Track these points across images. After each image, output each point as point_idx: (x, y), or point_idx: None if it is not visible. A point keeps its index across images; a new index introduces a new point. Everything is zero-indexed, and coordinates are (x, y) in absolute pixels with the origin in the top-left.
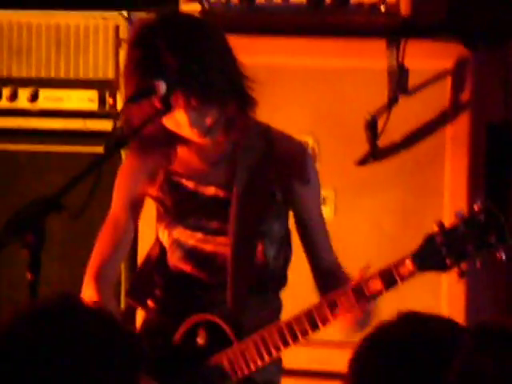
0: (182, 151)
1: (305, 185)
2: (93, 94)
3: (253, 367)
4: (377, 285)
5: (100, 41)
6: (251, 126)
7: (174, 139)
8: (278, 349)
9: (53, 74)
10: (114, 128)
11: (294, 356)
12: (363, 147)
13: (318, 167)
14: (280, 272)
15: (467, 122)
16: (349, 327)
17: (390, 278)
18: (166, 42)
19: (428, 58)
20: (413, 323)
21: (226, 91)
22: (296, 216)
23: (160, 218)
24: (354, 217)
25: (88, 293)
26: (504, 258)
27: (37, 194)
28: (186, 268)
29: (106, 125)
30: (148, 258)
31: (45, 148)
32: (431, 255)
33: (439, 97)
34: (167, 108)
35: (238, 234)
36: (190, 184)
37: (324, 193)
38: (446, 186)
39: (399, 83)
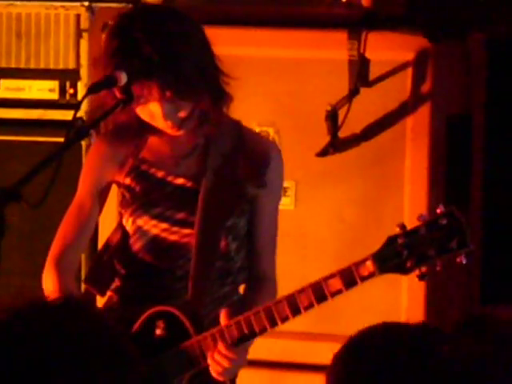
0: (153, 141)
1: (264, 186)
2: (53, 84)
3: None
4: (337, 284)
5: (61, 31)
6: (224, 120)
7: (146, 129)
8: (235, 343)
9: (13, 64)
10: (74, 118)
11: (266, 347)
12: (324, 138)
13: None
14: (240, 268)
15: (427, 114)
16: (217, 373)
17: (350, 278)
18: (144, 33)
19: (389, 50)
20: (391, 329)
21: (201, 85)
22: (249, 214)
23: (125, 204)
24: (315, 208)
25: (48, 277)
26: (464, 262)
27: None
28: (147, 258)
29: (66, 115)
30: (107, 244)
31: (5, 137)
32: (392, 257)
33: (400, 88)
34: (128, 98)
35: (204, 226)
36: (159, 173)
37: (285, 184)
38: (406, 177)
39: (360, 74)
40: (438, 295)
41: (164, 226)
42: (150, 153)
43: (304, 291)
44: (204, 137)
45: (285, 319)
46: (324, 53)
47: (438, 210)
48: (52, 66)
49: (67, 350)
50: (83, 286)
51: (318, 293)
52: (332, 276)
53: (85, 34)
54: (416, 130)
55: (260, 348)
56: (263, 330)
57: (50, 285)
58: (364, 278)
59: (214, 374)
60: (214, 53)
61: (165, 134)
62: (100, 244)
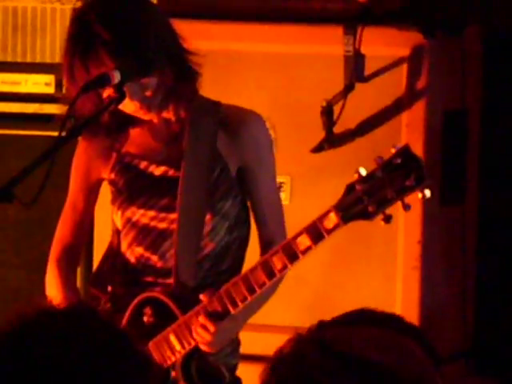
0: (134, 133)
1: (254, 152)
2: (50, 78)
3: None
4: (305, 241)
5: (57, 25)
6: (200, 102)
7: (125, 122)
8: (220, 316)
9: (10, 58)
10: (68, 115)
11: (263, 342)
12: (319, 133)
13: (274, 152)
14: (235, 251)
15: (423, 109)
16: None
17: (316, 233)
18: (96, 15)
19: (385, 45)
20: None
21: (160, 61)
22: (245, 186)
23: (113, 199)
24: (310, 203)
25: (52, 279)
26: (428, 195)
27: None
28: (139, 250)
29: (62, 109)
30: (110, 247)
31: (1, 131)
32: (353, 205)
33: (395, 84)
34: (122, 96)
35: (185, 208)
36: (141, 164)
37: (280, 179)
38: None
39: (355, 70)
40: (433, 291)
41: (151, 213)
42: (132, 145)
43: (276, 253)
44: (182, 122)
45: (262, 285)
46: (319, 48)
47: (392, 150)
48: (48, 60)
49: (78, 356)
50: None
51: (289, 253)
52: (299, 234)
53: None
54: (411, 125)
55: (257, 343)
56: (244, 299)
57: (53, 287)
58: (330, 231)
59: (201, 347)
60: (176, 30)
61: (145, 124)
62: (96, 243)
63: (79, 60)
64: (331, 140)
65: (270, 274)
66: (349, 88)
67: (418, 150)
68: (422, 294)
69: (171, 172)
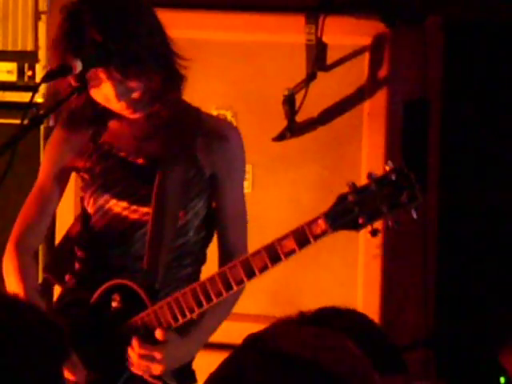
0: (114, 125)
1: (227, 163)
2: (11, 66)
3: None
4: (290, 244)
5: (19, 12)
6: (182, 105)
7: (105, 113)
8: (191, 310)
9: None
10: (31, 102)
11: (223, 330)
12: (281, 122)
13: (245, 169)
14: (200, 249)
15: (384, 99)
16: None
17: (303, 237)
18: (90, 15)
19: (346, 34)
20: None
21: (150, 66)
22: (214, 192)
23: (85, 187)
24: (272, 191)
25: (8, 259)
26: (416, 216)
27: None
28: (109, 236)
29: (24, 97)
30: (67, 236)
31: None
32: (344, 214)
33: (357, 73)
34: (82, 86)
35: (160, 201)
36: (120, 154)
37: None
38: (363, 162)
39: (317, 59)
40: (394, 279)
41: (123, 204)
42: (111, 136)
43: (258, 253)
44: (161, 118)
45: (240, 282)
46: (282, 37)
47: (387, 167)
48: (10, 48)
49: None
50: (42, 274)
51: (272, 254)
52: (285, 237)
53: (43, 16)
54: (373, 114)
55: (219, 331)
56: (219, 295)
57: (10, 267)
58: (317, 237)
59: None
60: (167, 34)
61: (124, 117)
62: (57, 233)
63: (71, 57)
64: (293, 129)
65: (250, 273)
66: (311, 77)
67: (379, 138)
68: (383, 282)
69: (149, 165)
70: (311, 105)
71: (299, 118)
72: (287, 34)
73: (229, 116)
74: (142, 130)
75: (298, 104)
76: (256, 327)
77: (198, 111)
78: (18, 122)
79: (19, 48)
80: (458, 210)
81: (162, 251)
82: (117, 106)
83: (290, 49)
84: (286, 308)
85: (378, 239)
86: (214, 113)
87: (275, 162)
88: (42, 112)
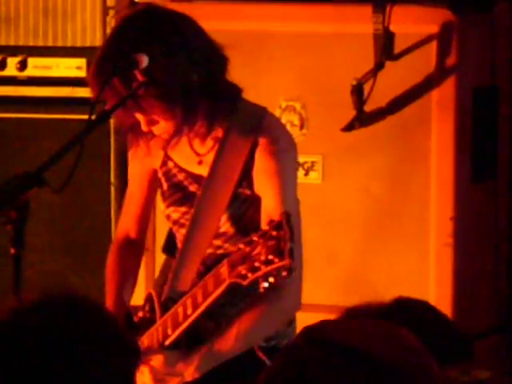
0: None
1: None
2: (81, 62)
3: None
4: (210, 283)
5: (87, 8)
6: (244, 111)
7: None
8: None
9: (41, 43)
10: (96, 101)
11: None
12: (350, 112)
13: (305, 133)
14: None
15: (453, 87)
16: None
17: (218, 279)
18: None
19: (414, 23)
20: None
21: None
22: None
23: (161, 195)
24: (342, 182)
25: (109, 262)
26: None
27: (25, 162)
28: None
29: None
30: None
31: (34, 115)
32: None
33: (425, 61)
34: (150, 80)
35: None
36: (179, 175)
37: (312, 158)
38: (432, 150)
39: (385, 48)
40: (466, 267)
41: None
42: (173, 149)
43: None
44: (221, 129)
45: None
46: (349, 27)
47: (271, 221)
48: (79, 44)
49: (62, 343)
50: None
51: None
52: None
53: (111, 12)
54: (441, 102)
55: None
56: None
57: (108, 267)
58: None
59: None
60: (216, 53)
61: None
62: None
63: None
64: (362, 119)
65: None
66: (379, 66)
67: (448, 127)
68: (455, 270)
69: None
70: (379, 94)
71: (368, 107)
72: (354, 23)
73: (298, 107)
74: (201, 144)
75: (366, 94)
76: (329, 318)
77: (261, 115)
78: (85, 117)
79: (88, 44)
80: None
81: (193, 258)
82: (169, 127)
83: (357, 39)
84: (357, 297)
85: (449, 227)
86: (283, 104)
87: (345, 152)
88: (107, 108)
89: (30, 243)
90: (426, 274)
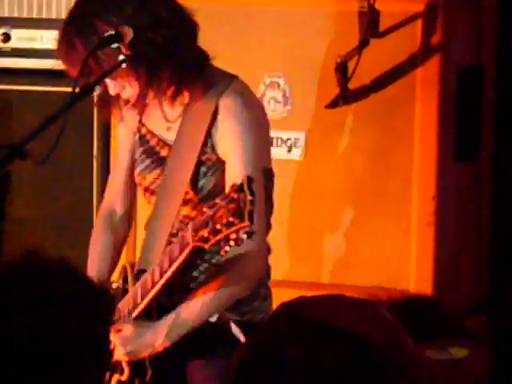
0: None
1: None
2: None
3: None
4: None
5: None
6: (211, 77)
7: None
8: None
9: (25, 14)
10: (80, 75)
11: None
12: (334, 90)
13: (288, 109)
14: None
15: (437, 66)
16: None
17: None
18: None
19: (399, 1)
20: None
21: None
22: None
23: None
24: (325, 159)
25: (93, 234)
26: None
27: (10, 133)
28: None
29: None
30: None
31: (18, 87)
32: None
33: (410, 40)
34: (134, 54)
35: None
36: (151, 141)
37: (295, 135)
38: (416, 128)
39: (370, 26)
40: (447, 246)
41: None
42: (146, 116)
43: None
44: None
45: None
46: (334, 4)
47: (233, 184)
48: (64, 17)
49: (36, 305)
50: None
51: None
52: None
53: None
54: (426, 81)
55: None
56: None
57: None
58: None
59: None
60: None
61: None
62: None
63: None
64: (346, 96)
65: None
66: (363, 44)
67: (432, 106)
68: (436, 249)
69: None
70: (364, 72)
71: (352, 85)
72: (340, 1)
73: (282, 83)
74: (170, 109)
75: (350, 71)
76: (309, 294)
77: (228, 83)
78: (69, 90)
79: None
80: (511, 173)
81: (159, 243)
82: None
83: (342, 16)
84: (338, 274)
85: (431, 206)
86: (267, 80)
87: (328, 129)
88: (91, 81)
89: (10, 215)
90: (408, 252)
